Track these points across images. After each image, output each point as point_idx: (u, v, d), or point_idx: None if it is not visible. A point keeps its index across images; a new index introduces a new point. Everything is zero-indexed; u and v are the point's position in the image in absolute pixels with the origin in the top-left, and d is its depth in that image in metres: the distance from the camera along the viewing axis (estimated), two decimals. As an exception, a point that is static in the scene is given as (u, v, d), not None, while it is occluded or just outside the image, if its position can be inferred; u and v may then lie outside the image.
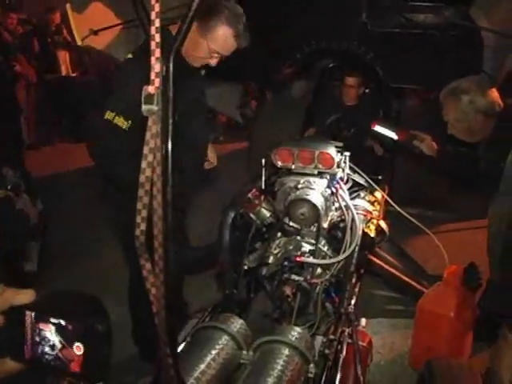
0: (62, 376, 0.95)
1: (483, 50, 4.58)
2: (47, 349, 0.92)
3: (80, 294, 1.10)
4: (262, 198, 2.98)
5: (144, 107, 1.20)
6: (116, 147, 2.88)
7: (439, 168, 4.03)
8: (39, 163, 7.23)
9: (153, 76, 1.20)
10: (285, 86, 6.63)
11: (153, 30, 1.18)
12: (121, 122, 2.83)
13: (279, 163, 2.85)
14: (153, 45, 1.18)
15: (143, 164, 1.22)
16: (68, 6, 4.36)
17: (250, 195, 2.97)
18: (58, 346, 0.91)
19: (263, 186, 2.91)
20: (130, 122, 2.82)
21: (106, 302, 1.10)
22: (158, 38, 1.18)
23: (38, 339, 0.93)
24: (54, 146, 8.76)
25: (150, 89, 1.20)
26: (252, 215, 2.99)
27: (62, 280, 4.32)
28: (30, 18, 8.76)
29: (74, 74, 8.67)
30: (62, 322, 0.91)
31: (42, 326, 0.92)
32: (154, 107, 1.20)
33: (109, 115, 2.85)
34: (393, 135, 3.78)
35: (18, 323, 0.93)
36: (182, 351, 2.09)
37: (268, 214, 2.98)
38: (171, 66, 1.21)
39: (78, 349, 0.90)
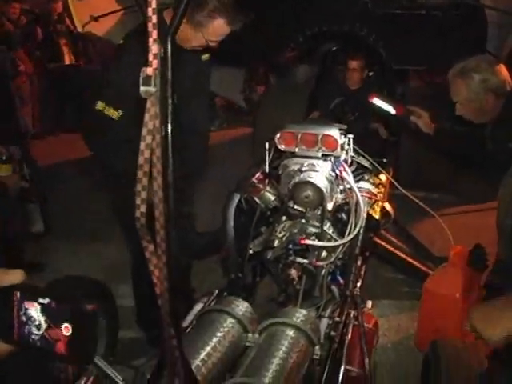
0: (49, 358, 0.95)
1: (487, 29, 4.55)
2: (33, 328, 0.92)
3: (83, 278, 1.10)
4: (267, 181, 2.98)
5: (142, 89, 1.20)
6: (108, 137, 2.91)
7: (436, 146, 4.00)
8: (43, 153, 7.23)
9: (151, 57, 1.19)
10: (288, 70, 6.61)
11: (149, 11, 1.17)
12: (111, 112, 2.84)
13: (283, 146, 2.84)
14: (150, 26, 1.17)
15: (142, 145, 1.22)
16: (69, -7, 4.38)
17: (254, 179, 2.97)
18: (44, 325, 0.91)
19: (267, 170, 2.90)
20: (120, 111, 2.83)
21: (113, 285, 1.11)
22: (154, 19, 1.17)
23: (24, 319, 0.92)
24: (57, 135, 8.77)
25: (148, 70, 1.20)
26: (256, 199, 2.99)
27: (68, 265, 4.33)
28: (33, 7, 8.73)
29: (77, 63, 8.65)
30: (49, 302, 0.91)
31: (27, 305, 0.92)
32: (152, 89, 1.19)
33: (99, 106, 2.87)
34: (390, 109, 3.76)
35: (6, 304, 0.93)
36: (187, 335, 2.10)
37: (272, 198, 2.98)
38: (169, 47, 1.20)
39: (67, 329, 0.90)
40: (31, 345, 0.93)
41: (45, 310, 0.91)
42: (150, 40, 1.18)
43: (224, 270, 2.99)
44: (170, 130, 1.23)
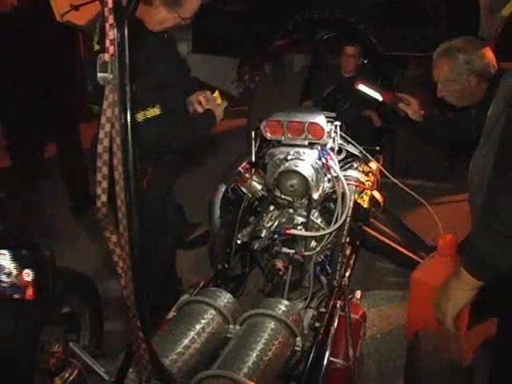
0: (18, 307, 0.95)
1: (479, 14, 4.50)
2: (3, 276, 0.93)
3: (66, 270, 1.09)
4: (253, 171, 2.95)
5: (99, 75, 1.17)
6: None
7: (426, 133, 3.95)
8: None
9: (107, 43, 1.16)
10: (283, 59, 6.57)
11: (105, -5, 1.14)
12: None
13: (269, 135, 2.81)
14: (106, 11, 1.14)
15: (101, 134, 1.19)
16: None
17: (240, 169, 2.95)
18: (14, 272, 0.92)
19: (253, 159, 2.87)
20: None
21: (103, 278, 1.10)
22: (110, 3, 1.14)
23: None
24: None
25: (106, 56, 1.17)
26: (243, 189, 2.97)
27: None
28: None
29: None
30: (17, 249, 0.92)
31: None
32: (109, 75, 1.16)
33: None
34: (377, 96, 3.69)
35: None
36: (166, 326, 2.08)
37: (259, 187, 2.95)
38: (126, 32, 1.17)
39: (27, 275, 0.91)
40: (1, 293, 0.94)
41: (14, 257, 0.92)
42: (107, 25, 1.15)
43: (211, 261, 2.97)
44: (129, 118, 1.20)
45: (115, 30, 1.15)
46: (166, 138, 2.73)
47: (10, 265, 0.90)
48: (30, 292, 0.89)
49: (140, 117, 2.57)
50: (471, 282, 1.77)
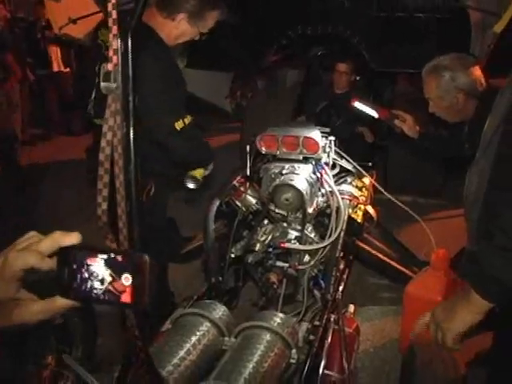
0: (114, 307, 0.97)
1: (471, 31, 4.57)
2: (96, 283, 0.94)
3: None
4: (248, 184, 2.96)
5: (102, 85, 1.18)
6: None
7: (421, 150, 3.98)
8: (36, 158, 7.32)
9: (111, 53, 1.18)
10: (276, 75, 6.61)
11: (109, 6, 1.16)
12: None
13: (264, 149, 2.83)
14: (110, 22, 1.16)
15: (102, 142, 1.20)
16: (45, -6, 4.35)
17: (235, 182, 2.96)
18: (108, 279, 0.94)
19: (248, 173, 2.89)
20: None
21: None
22: (114, 14, 1.15)
23: (86, 275, 0.95)
24: (50, 140, 8.75)
25: (109, 66, 1.18)
26: (238, 202, 2.98)
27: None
28: (21, 12, 8.71)
29: (66, 70, 8.61)
30: (112, 255, 0.93)
31: (90, 261, 0.95)
32: (113, 84, 1.18)
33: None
34: (373, 113, 3.72)
35: (65, 262, 0.97)
36: (162, 338, 2.08)
37: (254, 201, 2.96)
38: (129, 43, 1.19)
39: (127, 279, 0.92)
40: (93, 299, 0.95)
41: (108, 263, 0.93)
42: (110, 35, 1.16)
43: (205, 275, 2.97)
44: (131, 127, 1.21)
45: (118, 40, 1.17)
46: (194, 148, 2.93)
47: (104, 271, 0.92)
48: (126, 297, 0.91)
49: (180, 124, 2.72)
50: (483, 304, 1.70)
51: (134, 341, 1.34)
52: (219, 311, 2.20)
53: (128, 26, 1.19)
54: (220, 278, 2.75)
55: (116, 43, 1.16)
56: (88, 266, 0.95)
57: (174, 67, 2.79)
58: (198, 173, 3.07)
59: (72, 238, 0.97)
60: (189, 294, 2.71)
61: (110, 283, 0.94)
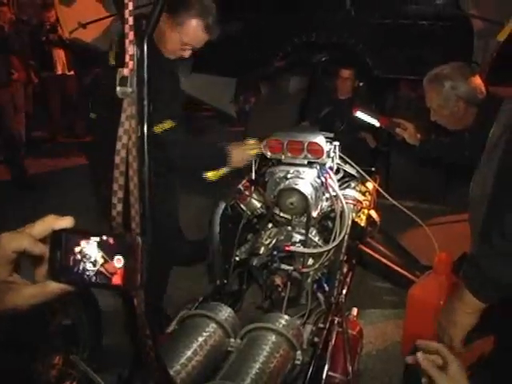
0: (105, 289, 0.98)
1: (473, 39, 4.61)
2: (89, 265, 0.95)
3: None
4: (253, 188, 2.99)
5: (118, 89, 1.21)
6: None
7: (422, 157, 4.02)
8: (40, 160, 7.44)
9: (127, 58, 1.21)
10: (279, 81, 6.64)
11: (126, 13, 1.19)
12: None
13: (269, 154, 2.86)
14: (126, 28, 1.19)
15: (118, 145, 1.23)
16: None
17: (240, 186, 2.99)
18: (100, 261, 0.95)
19: (253, 177, 2.92)
20: None
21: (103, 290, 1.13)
22: (131, 20, 1.19)
23: (79, 257, 0.96)
24: (53, 143, 8.79)
25: (125, 71, 1.22)
26: (243, 206, 3.01)
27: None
28: (24, 15, 8.74)
29: (70, 73, 8.63)
30: (104, 237, 0.95)
31: (82, 244, 0.95)
32: (128, 89, 1.21)
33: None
34: (374, 122, 3.76)
35: (58, 245, 0.97)
36: (169, 339, 2.11)
37: (259, 205, 3.00)
38: (145, 48, 1.22)
39: (119, 261, 0.94)
40: (85, 281, 0.96)
41: (101, 246, 0.95)
42: (127, 41, 1.20)
43: (210, 277, 3.00)
44: (146, 130, 1.24)
45: (135, 46, 1.20)
46: (178, 154, 2.84)
47: (96, 253, 0.94)
48: (117, 279, 0.92)
49: (158, 129, 2.66)
50: (476, 304, 1.76)
51: (145, 340, 1.37)
52: (225, 313, 2.24)
53: (144, 32, 1.22)
54: (225, 281, 2.78)
55: (132, 49, 1.20)
56: (81, 248, 0.96)
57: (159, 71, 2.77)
58: (212, 174, 3.07)
59: (65, 222, 0.98)
60: (193, 296, 2.74)
61: (102, 265, 0.95)
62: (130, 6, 1.19)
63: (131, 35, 1.19)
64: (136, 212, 1.26)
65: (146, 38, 1.22)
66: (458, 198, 5.49)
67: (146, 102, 1.23)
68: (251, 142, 3.01)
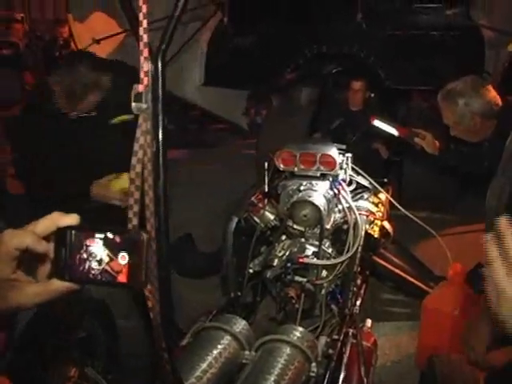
0: (110, 287, 0.98)
1: (484, 49, 4.61)
2: (94, 264, 0.94)
3: (81, 295, 1.13)
4: (266, 201, 3.00)
5: (133, 105, 1.23)
6: None
7: (441, 166, 4.02)
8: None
9: (142, 75, 1.23)
10: (291, 93, 6.67)
11: (141, 30, 1.21)
12: None
13: (282, 166, 2.87)
14: (141, 45, 1.21)
15: (133, 160, 1.25)
16: (70, 15, 4.43)
17: (253, 199, 3.00)
18: (106, 259, 0.94)
19: (266, 189, 2.93)
20: None
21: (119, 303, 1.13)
22: (145, 38, 1.21)
23: (85, 256, 0.95)
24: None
25: (140, 87, 1.24)
26: (256, 218, 3.01)
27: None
28: (38, 30, 8.83)
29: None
30: (109, 235, 0.94)
31: (89, 242, 0.95)
32: (143, 105, 1.23)
33: None
34: (393, 131, 3.76)
35: (63, 243, 0.97)
36: (184, 351, 2.11)
37: (272, 217, 3.00)
38: (160, 65, 1.24)
39: (123, 258, 0.93)
40: (90, 280, 0.95)
41: (106, 243, 0.94)
42: (141, 58, 1.22)
43: (224, 290, 3.00)
44: (161, 145, 1.26)
45: (149, 62, 1.22)
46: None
47: (102, 252, 0.93)
48: (122, 278, 0.92)
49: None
50: None
51: (161, 353, 1.37)
52: (239, 325, 2.24)
53: (158, 49, 1.24)
54: (239, 293, 2.79)
55: (147, 65, 1.22)
56: (87, 246, 0.95)
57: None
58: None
59: (70, 219, 0.98)
60: (207, 308, 2.74)
61: (107, 263, 0.94)
62: (145, 24, 1.21)
63: (146, 52, 1.21)
64: (151, 226, 1.27)
65: (161, 54, 1.24)
66: (471, 208, 5.51)
67: (160, 117, 1.24)
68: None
